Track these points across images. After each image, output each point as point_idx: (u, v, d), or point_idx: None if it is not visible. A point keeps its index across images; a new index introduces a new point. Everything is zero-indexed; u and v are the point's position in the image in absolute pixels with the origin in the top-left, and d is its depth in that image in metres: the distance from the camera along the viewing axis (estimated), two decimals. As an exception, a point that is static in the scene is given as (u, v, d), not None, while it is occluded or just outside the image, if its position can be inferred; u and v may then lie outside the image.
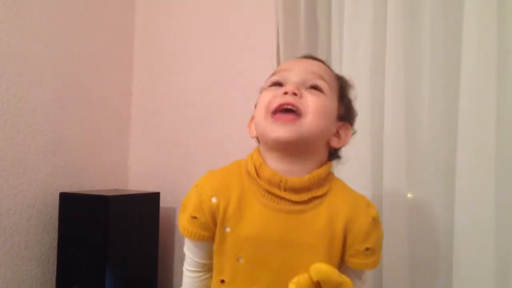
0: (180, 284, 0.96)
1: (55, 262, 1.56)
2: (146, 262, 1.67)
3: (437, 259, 1.24)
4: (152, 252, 1.69)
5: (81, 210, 1.54)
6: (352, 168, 1.08)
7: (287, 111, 0.84)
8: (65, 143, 1.66)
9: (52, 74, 1.62)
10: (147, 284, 1.67)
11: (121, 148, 1.91)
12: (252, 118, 0.94)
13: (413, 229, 1.25)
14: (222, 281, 0.88)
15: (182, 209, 0.92)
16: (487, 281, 1.11)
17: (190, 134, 1.79)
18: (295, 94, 0.85)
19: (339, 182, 0.92)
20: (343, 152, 0.95)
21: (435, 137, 1.25)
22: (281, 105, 0.85)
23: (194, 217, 0.88)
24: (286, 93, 0.85)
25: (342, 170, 0.97)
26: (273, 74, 0.92)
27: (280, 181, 0.85)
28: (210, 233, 0.88)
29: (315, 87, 0.87)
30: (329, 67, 0.96)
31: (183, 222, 0.90)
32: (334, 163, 0.94)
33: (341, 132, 0.91)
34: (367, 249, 0.87)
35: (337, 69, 1.07)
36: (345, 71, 1.24)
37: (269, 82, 0.91)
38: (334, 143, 0.90)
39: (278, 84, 0.89)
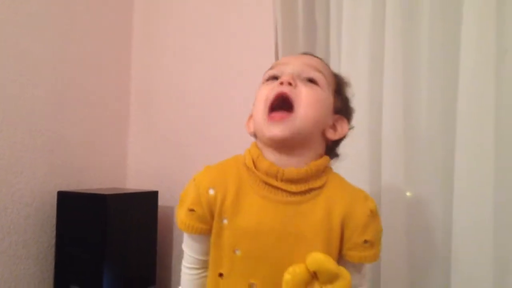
0: (178, 283, 0.96)
1: (53, 261, 1.56)
2: (145, 261, 1.67)
3: (436, 258, 1.24)
4: (150, 250, 1.69)
5: (79, 209, 1.54)
6: (351, 165, 1.08)
7: (280, 108, 0.85)
8: (63, 142, 1.66)
9: (50, 73, 1.62)
10: (145, 282, 1.67)
11: (119, 147, 1.91)
12: (250, 116, 0.95)
13: (411, 228, 1.25)
14: (220, 275, 0.88)
15: (180, 204, 0.92)
16: (485, 280, 1.11)
17: (187, 133, 1.79)
18: (290, 84, 0.85)
19: (337, 175, 0.92)
20: (341, 149, 0.95)
21: (433, 137, 1.26)
22: (277, 95, 0.85)
23: (192, 210, 0.88)
24: (282, 83, 0.86)
25: (340, 167, 0.97)
26: (271, 68, 0.93)
27: (278, 172, 0.85)
28: (207, 226, 0.88)
29: (311, 80, 0.88)
30: (326, 64, 0.96)
31: (181, 216, 0.90)
32: (333, 161, 0.94)
33: (337, 125, 0.92)
34: (365, 241, 0.86)
35: (335, 69, 1.07)
36: (344, 71, 1.23)
37: (266, 76, 0.92)
38: (330, 134, 0.91)
39: (275, 78, 0.90)
